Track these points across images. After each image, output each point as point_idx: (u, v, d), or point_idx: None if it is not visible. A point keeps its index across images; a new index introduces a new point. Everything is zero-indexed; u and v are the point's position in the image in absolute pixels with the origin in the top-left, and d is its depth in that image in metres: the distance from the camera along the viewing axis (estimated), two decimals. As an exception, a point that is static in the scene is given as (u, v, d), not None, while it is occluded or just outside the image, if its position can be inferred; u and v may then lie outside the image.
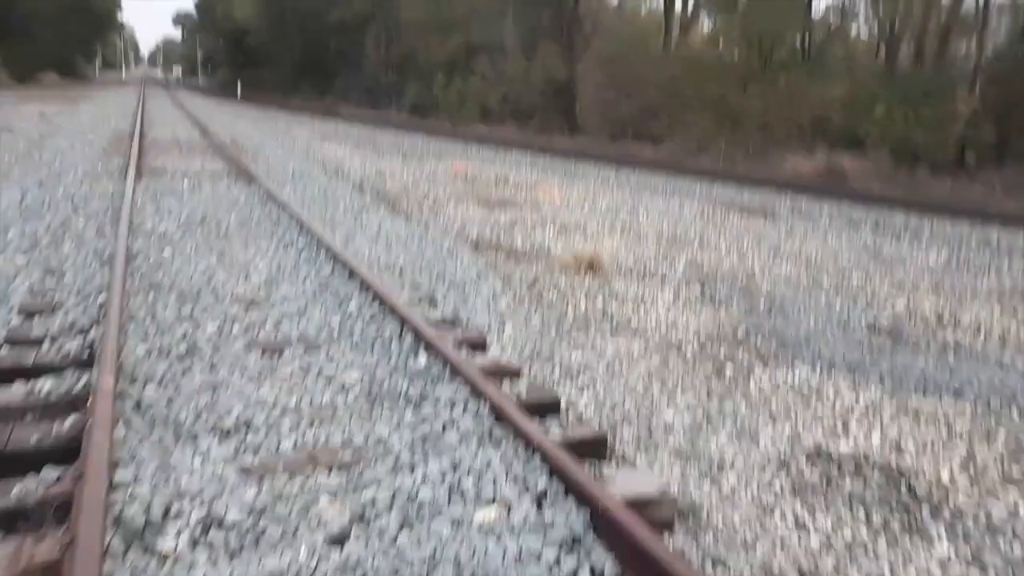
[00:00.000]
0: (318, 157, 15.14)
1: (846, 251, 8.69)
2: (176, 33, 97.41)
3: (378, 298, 4.80)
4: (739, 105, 22.45)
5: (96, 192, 8.53)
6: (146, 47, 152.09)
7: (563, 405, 3.63)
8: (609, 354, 4.76)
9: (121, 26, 79.52)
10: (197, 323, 4.27)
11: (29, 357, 3.62)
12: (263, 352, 3.87)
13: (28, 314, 4.29)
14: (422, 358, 3.80)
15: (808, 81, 22.08)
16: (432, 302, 5.21)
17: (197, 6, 61.05)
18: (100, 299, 4.47)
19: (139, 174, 9.67)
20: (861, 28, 25.94)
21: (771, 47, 24.57)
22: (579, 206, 11.01)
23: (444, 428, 3.10)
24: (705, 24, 30.15)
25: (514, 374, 3.83)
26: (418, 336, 4.09)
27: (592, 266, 6.99)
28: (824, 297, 6.46)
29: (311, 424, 3.12)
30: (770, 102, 21.88)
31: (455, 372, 3.58)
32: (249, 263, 5.82)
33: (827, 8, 25.68)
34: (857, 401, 4.19)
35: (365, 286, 5.11)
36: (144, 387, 3.30)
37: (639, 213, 10.71)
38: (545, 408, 3.43)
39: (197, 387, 3.38)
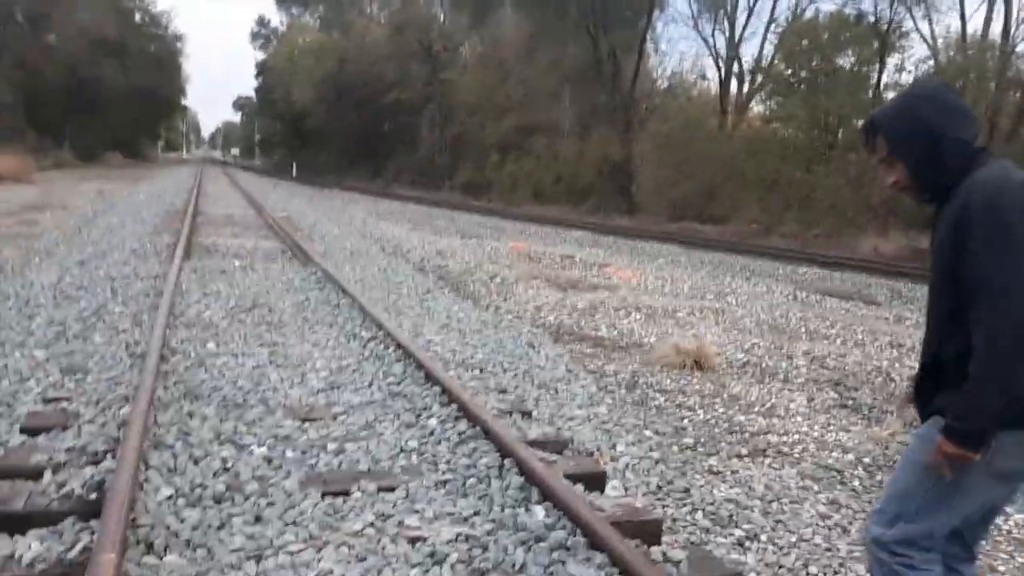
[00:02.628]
0: (375, 236, 14.49)
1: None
2: (235, 117, 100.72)
3: (463, 410, 3.85)
4: (807, 185, 21.53)
5: (140, 273, 7.83)
6: (207, 130, 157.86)
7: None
8: (759, 488, 3.70)
9: (184, 110, 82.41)
10: (241, 447, 3.35)
11: (20, 499, 2.72)
12: (324, 493, 2.91)
13: (32, 431, 3.42)
14: (538, 512, 2.79)
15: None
16: (524, 413, 4.23)
17: (257, 90, 62.84)
18: (123, 412, 3.59)
19: (188, 253, 9.01)
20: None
21: (837, 126, 23.75)
22: (659, 288, 10.04)
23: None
24: (759, 106, 29.48)
25: (656, 531, 2.81)
26: (523, 470, 3.11)
27: (699, 363, 5.97)
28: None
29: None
30: (840, 182, 20.91)
31: (590, 535, 2.57)
32: (306, 360, 4.93)
33: (895, 85, 24.73)
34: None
35: (444, 392, 4.17)
36: (163, 556, 2.36)
37: (726, 297, 9.69)
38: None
39: (235, 556, 2.42)
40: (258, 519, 2.67)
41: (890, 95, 24.47)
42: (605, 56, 31.37)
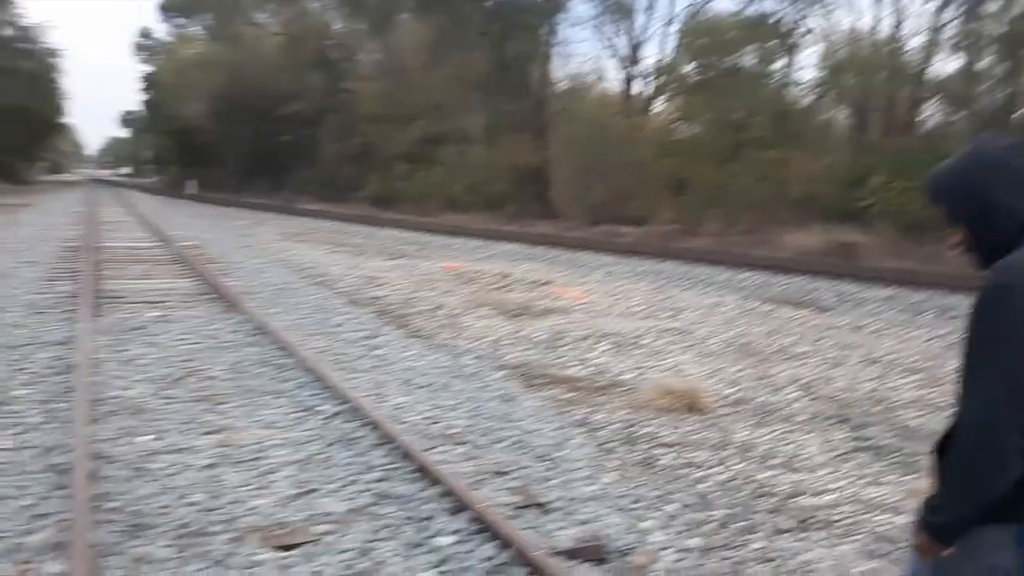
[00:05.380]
0: (294, 263, 13.55)
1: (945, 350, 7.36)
2: (121, 132, 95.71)
3: (475, 518, 3.21)
4: (719, 183, 21.63)
5: (41, 337, 6.80)
6: (92, 148, 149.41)
7: None
8: (829, 579, 3.22)
9: (65, 128, 77.62)
10: (216, 607, 2.63)
11: None
12: None
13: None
14: None
15: (790, 156, 21.37)
16: (538, 505, 3.63)
17: (146, 103, 59.61)
18: (49, 570, 2.79)
19: (94, 307, 7.97)
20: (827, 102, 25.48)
21: (743, 124, 24.04)
22: (610, 308, 9.59)
23: None
24: (664, 106, 29.63)
25: None
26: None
27: (692, 405, 5.50)
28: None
29: None
30: (752, 179, 21.10)
31: None
32: (264, 452, 4.17)
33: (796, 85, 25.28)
34: None
35: (442, 490, 3.52)
36: None
37: (681, 313, 9.32)
38: None
39: None
40: None
41: (792, 92, 25.06)
42: (510, 62, 30.99)
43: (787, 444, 4.85)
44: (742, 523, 3.76)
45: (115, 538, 3.13)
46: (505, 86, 30.11)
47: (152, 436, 4.37)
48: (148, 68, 57.99)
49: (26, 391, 5.19)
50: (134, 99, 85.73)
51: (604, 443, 4.78)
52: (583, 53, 60.32)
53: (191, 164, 52.02)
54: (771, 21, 25.07)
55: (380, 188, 33.85)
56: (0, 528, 3.23)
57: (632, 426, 5.12)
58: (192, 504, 3.48)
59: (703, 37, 26.31)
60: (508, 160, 28.00)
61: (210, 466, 3.95)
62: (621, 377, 6.33)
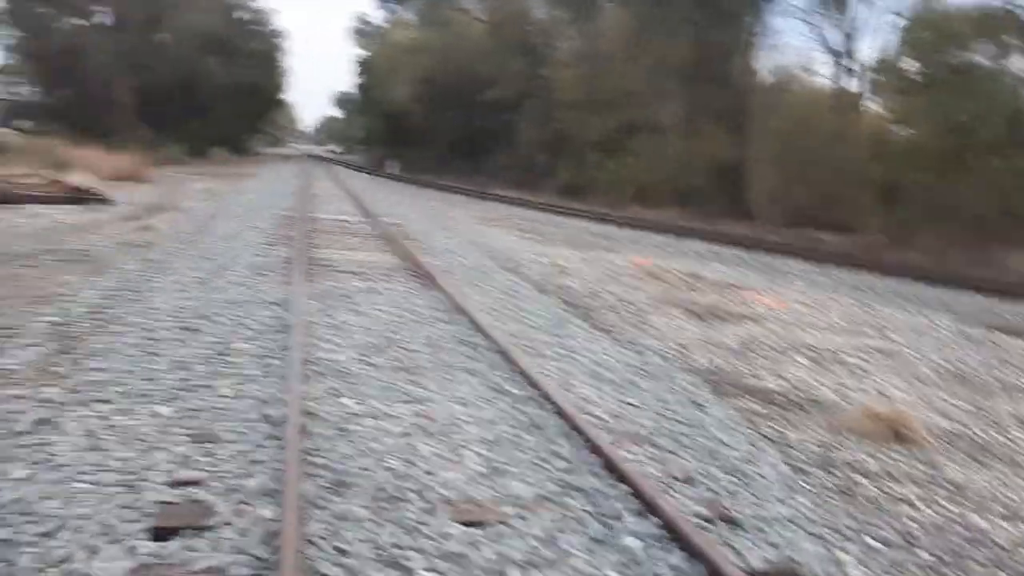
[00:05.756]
0: (486, 246, 13.91)
1: None
2: (335, 112, 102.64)
3: (664, 524, 3.13)
4: (942, 193, 19.80)
5: (260, 296, 7.41)
6: (306, 124, 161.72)
7: None
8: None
9: (285, 105, 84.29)
10: (406, 570, 2.73)
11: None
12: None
13: (162, 534, 2.88)
14: None
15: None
16: (729, 520, 3.48)
17: (359, 86, 63.44)
18: (265, 514, 3.03)
19: (306, 273, 8.58)
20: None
21: (972, 128, 21.84)
22: (808, 319, 9.06)
23: None
24: (879, 105, 27.49)
25: None
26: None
27: (898, 433, 5.08)
28: None
29: None
30: (983, 191, 19.13)
31: None
32: (456, 426, 4.31)
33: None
34: None
35: (629, 490, 3.47)
36: None
37: (888, 333, 8.65)
38: None
39: None
40: None
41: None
42: (713, 51, 30.01)
43: (1009, 490, 4.36)
44: (953, 572, 3.42)
45: (320, 492, 3.34)
46: (706, 76, 29.23)
47: (354, 399, 4.63)
48: (363, 53, 61.57)
49: (246, 345, 5.67)
50: (347, 81, 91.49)
51: (798, 463, 4.52)
52: (791, 45, 57.30)
53: (396, 145, 54.86)
54: (1007, 13, 22.55)
55: (571, 176, 34.04)
56: (222, 468, 3.54)
57: (830, 449, 4.81)
58: (389, 469, 3.65)
59: (928, 31, 24.13)
60: (706, 152, 27.20)
61: (406, 434, 4.13)
62: (819, 394, 5.96)
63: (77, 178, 18.41)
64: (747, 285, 11.49)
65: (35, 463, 3.50)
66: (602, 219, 22.56)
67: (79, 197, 15.58)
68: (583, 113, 33.72)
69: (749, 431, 4.97)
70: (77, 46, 37.71)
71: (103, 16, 41.87)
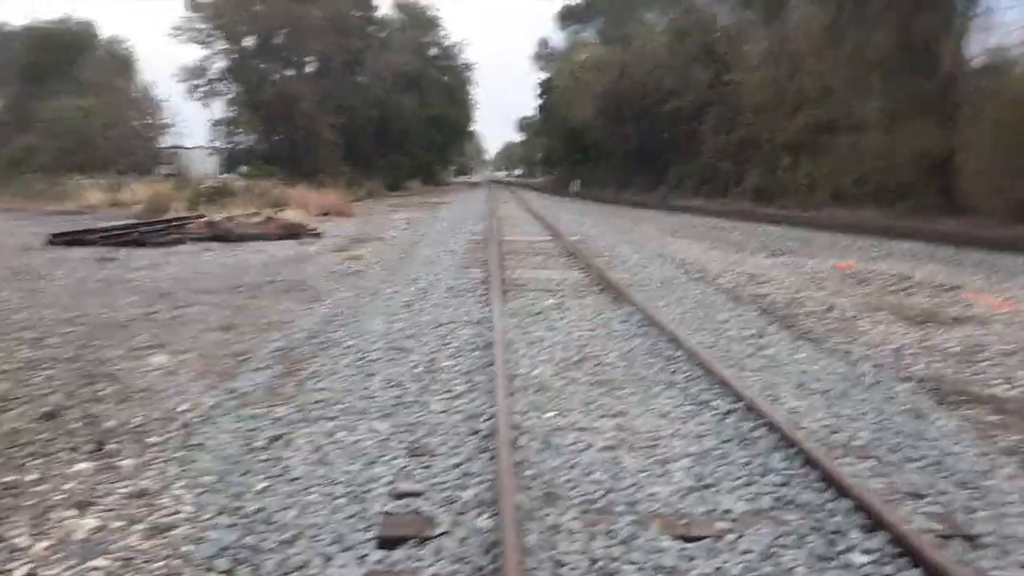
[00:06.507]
0: (675, 258, 13.71)
1: None
2: (516, 137, 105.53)
3: (894, 539, 2.92)
4: None
5: (460, 316, 7.74)
6: (489, 152, 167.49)
7: None
8: None
9: (472, 135, 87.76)
10: (624, 582, 2.74)
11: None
12: None
13: (389, 543, 3.07)
14: None
15: None
16: (966, 537, 3.19)
17: (540, 108, 64.93)
18: (481, 524, 3.15)
19: (502, 292, 8.86)
20: None
21: None
22: (1042, 321, 8.15)
23: None
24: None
25: None
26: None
27: None
28: None
29: None
30: None
31: None
32: (659, 440, 4.27)
33: None
34: None
35: (852, 504, 3.27)
36: None
37: None
38: None
39: None
40: None
41: None
42: (917, 38, 27.84)
43: None
44: None
45: (533, 504, 3.43)
46: (909, 65, 27.15)
47: (556, 413, 4.72)
48: (544, 75, 62.96)
49: (451, 362, 5.94)
50: (529, 106, 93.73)
51: (1044, 478, 4.07)
52: (1010, 23, 52.00)
53: (577, 164, 55.49)
54: None
55: (761, 181, 32.83)
56: (439, 481, 3.72)
57: (1082, 465, 4.28)
58: (596, 482, 3.68)
59: None
60: (910, 147, 25.24)
61: (609, 447, 4.14)
62: (1064, 402, 5.34)
63: (291, 215, 20.20)
64: (965, 286, 10.53)
65: (272, 476, 3.84)
66: (794, 223, 21.54)
67: (293, 232, 17.07)
68: (773, 115, 32.45)
69: (981, 442, 4.54)
70: (288, 95, 41.46)
71: (310, 65, 45.80)
